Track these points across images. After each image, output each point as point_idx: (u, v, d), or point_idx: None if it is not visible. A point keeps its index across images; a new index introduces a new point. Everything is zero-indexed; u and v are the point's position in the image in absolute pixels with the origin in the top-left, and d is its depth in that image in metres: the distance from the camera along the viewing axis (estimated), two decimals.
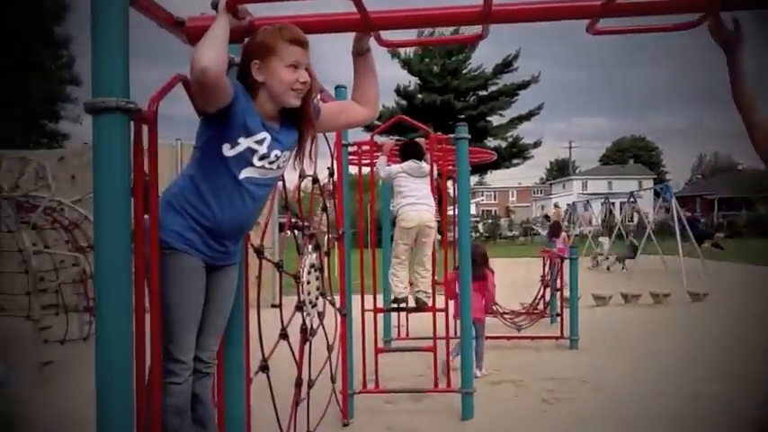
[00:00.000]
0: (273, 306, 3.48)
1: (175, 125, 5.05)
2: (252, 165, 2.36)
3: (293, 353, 3.63)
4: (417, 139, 5.77)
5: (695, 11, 2.31)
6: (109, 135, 1.78)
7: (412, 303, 5.65)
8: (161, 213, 2.26)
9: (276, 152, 2.41)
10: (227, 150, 2.31)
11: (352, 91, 2.71)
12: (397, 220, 5.54)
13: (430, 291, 5.58)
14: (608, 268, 18.67)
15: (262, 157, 2.38)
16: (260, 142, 2.36)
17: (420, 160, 5.57)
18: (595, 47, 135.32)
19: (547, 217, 31.36)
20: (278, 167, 2.47)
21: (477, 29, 2.47)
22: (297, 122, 2.49)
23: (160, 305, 2.22)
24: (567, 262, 8.05)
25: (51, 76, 26.96)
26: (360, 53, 2.61)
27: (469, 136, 5.26)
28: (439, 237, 6.38)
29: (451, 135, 5.38)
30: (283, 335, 3.50)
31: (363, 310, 5.49)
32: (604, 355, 7.17)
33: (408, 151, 5.68)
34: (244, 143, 2.32)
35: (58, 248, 7.80)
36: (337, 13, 2.44)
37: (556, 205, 32.29)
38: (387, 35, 2.60)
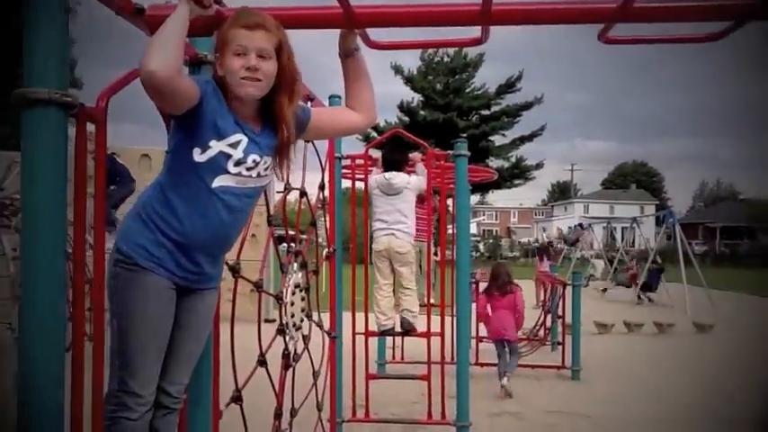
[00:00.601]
0: (267, 321, 3.19)
1: None
2: (227, 172, 2.09)
3: (271, 380, 3.34)
4: (407, 152, 5.39)
5: (726, 18, 2.04)
6: (40, 133, 1.50)
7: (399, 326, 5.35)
8: (128, 224, 2.00)
9: (254, 157, 2.13)
10: (198, 155, 2.05)
11: (346, 98, 2.44)
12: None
13: (415, 310, 5.26)
14: (604, 290, 18.33)
15: (237, 163, 2.10)
16: (234, 145, 2.09)
17: (398, 171, 5.17)
18: (600, 70, 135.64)
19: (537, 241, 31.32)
20: (258, 175, 2.18)
21: (476, 31, 2.20)
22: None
23: (117, 329, 1.95)
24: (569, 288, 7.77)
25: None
26: (347, 54, 2.34)
27: (469, 153, 5.01)
28: (436, 258, 6.15)
29: (450, 151, 5.12)
30: (261, 361, 3.22)
31: (354, 333, 5.20)
32: (607, 388, 6.85)
33: (387, 161, 5.26)
34: (216, 147, 2.05)
35: None
36: (318, 7, 2.16)
37: (559, 229, 32.16)
38: (376, 35, 2.33)
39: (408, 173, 5.19)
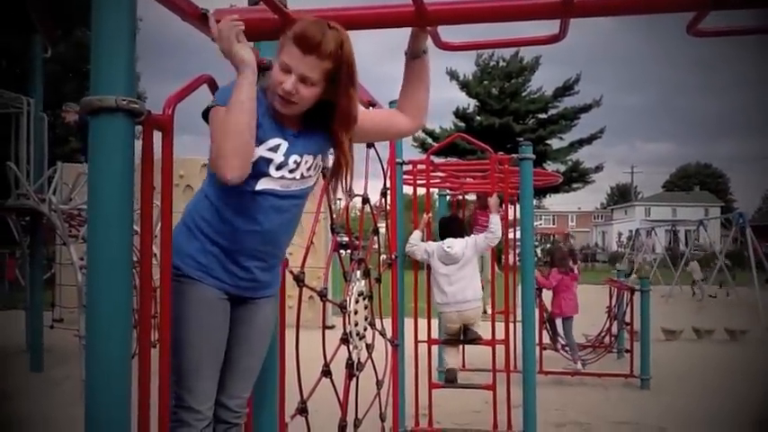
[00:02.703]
0: (327, 328, 3.13)
1: None
2: (269, 175, 2.03)
3: (336, 391, 3.27)
4: (462, 220, 5.46)
5: None
6: (107, 141, 1.46)
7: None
8: (176, 235, 1.95)
9: (295, 158, 2.07)
10: None
11: (399, 97, 2.35)
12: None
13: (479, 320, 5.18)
14: (713, 296, 17.67)
15: (279, 167, 2.04)
16: (274, 149, 2.03)
17: (461, 236, 5.05)
18: (659, 70, 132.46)
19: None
20: (302, 176, 2.12)
21: (553, 28, 2.08)
22: (324, 125, 2.12)
23: (173, 343, 1.90)
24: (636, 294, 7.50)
25: None
26: (415, 54, 2.25)
27: (534, 156, 4.88)
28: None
29: (514, 155, 4.99)
30: (326, 371, 3.15)
31: (417, 341, 5.10)
32: (679, 398, 6.54)
33: (445, 228, 5.19)
34: (256, 152, 1.98)
35: None
36: (388, 5, 2.05)
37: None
38: (444, 37, 2.22)
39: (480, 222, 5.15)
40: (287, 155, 2.05)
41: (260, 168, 2.01)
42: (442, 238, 5.07)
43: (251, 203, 2.03)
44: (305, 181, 2.14)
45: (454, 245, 4.95)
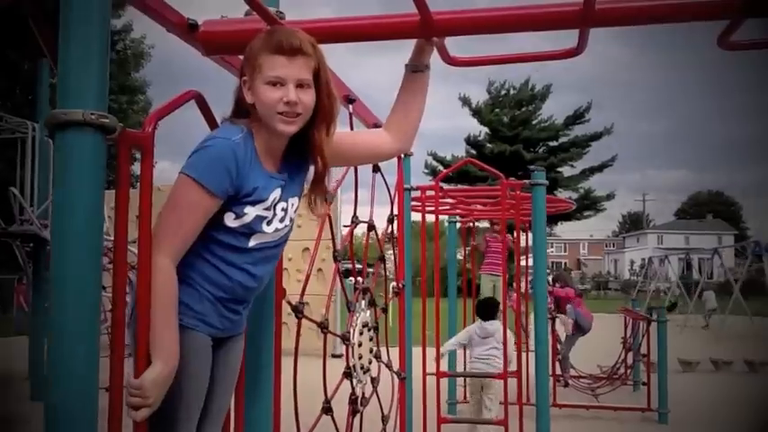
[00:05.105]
0: (334, 356, 2.94)
1: None
2: (261, 232, 1.89)
3: (337, 429, 3.08)
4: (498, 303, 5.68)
5: None
6: (74, 159, 1.30)
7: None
8: None
9: (282, 205, 1.92)
10: (231, 221, 1.84)
11: (390, 114, 2.17)
12: None
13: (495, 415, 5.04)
14: (705, 327, 17.35)
15: (270, 221, 1.90)
16: (269, 207, 1.88)
17: (493, 318, 5.46)
18: (669, 98, 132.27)
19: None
20: (291, 220, 1.98)
21: (571, 39, 1.91)
22: (303, 153, 1.97)
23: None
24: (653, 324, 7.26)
25: (129, 120, 27.68)
26: (416, 68, 2.09)
27: (547, 182, 4.72)
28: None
29: (527, 181, 4.83)
30: (326, 408, 2.96)
31: (425, 374, 4.90)
32: None
33: (481, 310, 5.66)
34: (251, 212, 1.84)
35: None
36: (389, 15, 1.89)
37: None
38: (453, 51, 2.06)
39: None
40: (279, 202, 1.91)
41: (253, 227, 1.86)
42: (481, 316, 5.55)
43: (246, 258, 1.89)
44: (291, 223, 2.01)
45: (491, 324, 5.41)
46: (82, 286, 1.32)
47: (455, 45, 2.16)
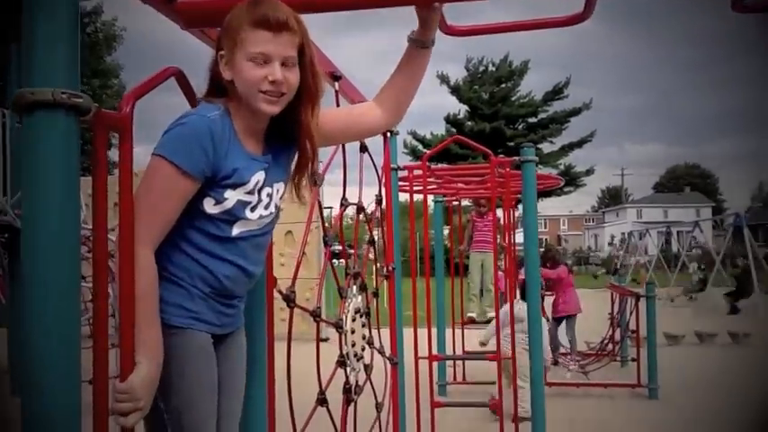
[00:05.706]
0: (321, 340, 2.84)
1: None
2: (245, 218, 1.75)
3: (333, 420, 2.98)
4: None
5: None
6: (43, 143, 1.16)
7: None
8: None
9: (267, 190, 1.80)
10: (210, 207, 1.70)
11: (385, 86, 2.05)
12: None
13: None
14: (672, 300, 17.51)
15: (254, 207, 1.77)
16: (252, 191, 1.75)
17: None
18: (646, 72, 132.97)
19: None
20: (276, 207, 1.85)
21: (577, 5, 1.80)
22: (287, 135, 1.84)
23: (169, 409, 1.63)
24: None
25: (103, 105, 27.08)
26: (424, 44, 1.97)
27: (537, 159, 4.62)
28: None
29: (516, 158, 4.73)
30: (322, 400, 2.86)
31: (417, 358, 4.81)
32: (690, 408, 6.26)
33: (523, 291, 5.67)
34: (232, 197, 1.71)
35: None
36: None
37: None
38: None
39: None
40: (263, 187, 1.77)
41: (236, 213, 1.73)
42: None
43: (231, 248, 1.75)
44: (277, 210, 1.87)
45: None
46: (58, 279, 1.18)
47: (452, 13, 2.04)
